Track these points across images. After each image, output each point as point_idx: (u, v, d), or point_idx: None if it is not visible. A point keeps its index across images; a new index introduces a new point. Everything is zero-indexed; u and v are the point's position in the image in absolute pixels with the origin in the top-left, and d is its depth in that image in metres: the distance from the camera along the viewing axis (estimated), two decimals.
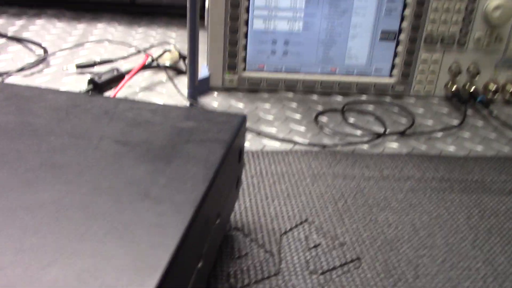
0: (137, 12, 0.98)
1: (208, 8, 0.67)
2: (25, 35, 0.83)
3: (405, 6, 0.69)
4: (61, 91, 0.41)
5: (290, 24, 0.69)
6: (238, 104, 0.68)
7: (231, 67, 0.70)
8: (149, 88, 0.70)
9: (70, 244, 0.24)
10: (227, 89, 0.71)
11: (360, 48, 0.71)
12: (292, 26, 0.69)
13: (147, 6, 0.98)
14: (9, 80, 0.67)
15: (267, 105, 0.68)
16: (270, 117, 0.65)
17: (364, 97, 0.73)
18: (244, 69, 0.71)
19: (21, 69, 0.68)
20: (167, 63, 0.75)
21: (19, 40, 0.80)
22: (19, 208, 0.26)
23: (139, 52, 0.71)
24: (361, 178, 0.53)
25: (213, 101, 0.68)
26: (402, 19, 0.70)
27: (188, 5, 0.60)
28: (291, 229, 0.45)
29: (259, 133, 0.60)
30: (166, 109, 0.40)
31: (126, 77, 0.65)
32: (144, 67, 0.71)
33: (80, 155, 0.32)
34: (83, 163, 0.31)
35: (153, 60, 0.70)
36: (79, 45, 0.71)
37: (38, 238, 0.24)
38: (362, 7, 0.69)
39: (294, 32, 0.70)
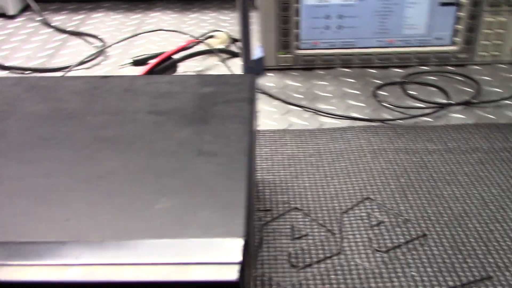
0: None
1: None
2: (83, 29, 0.85)
3: None
4: (76, 77, 0.42)
5: None
6: (294, 83, 0.67)
7: (285, 45, 0.69)
8: (203, 72, 0.70)
9: (158, 199, 0.26)
10: (281, 69, 0.71)
11: (419, 16, 0.68)
12: None
13: None
14: (71, 74, 0.69)
15: (323, 82, 0.67)
16: (327, 94, 0.64)
17: (424, 68, 0.70)
18: (298, 47, 0.70)
19: (82, 63, 0.70)
20: (218, 47, 0.75)
21: (78, 34, 0.82)
22: (94, 177, 0.28)
23: (195, 39, 0.71)
24: (424, 151, 0.51)
25: (268, 82, 0.67)
26: None
27: None
28: (352, 208, 0.44)
29: (317, 111, 0.59)
30: (181, 79, 0.42)
31: (158, 58, 0.65)
32: (200, 52, 0.72)
33: (123, 128, 0.34)
34: (129, 134, 0.33)
35: (199, 42, 0.71)
36: (134, 35, 0.73)
37: (128, 198, 0.26)
38: None
39: (347, 4, 0.67)
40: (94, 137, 0.32)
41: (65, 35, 0.83)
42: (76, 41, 0.81)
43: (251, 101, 0.38)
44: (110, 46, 0.70)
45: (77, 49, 0.77)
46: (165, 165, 0.28)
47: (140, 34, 0.72)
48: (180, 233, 0.23)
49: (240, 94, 0.39)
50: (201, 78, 0.42)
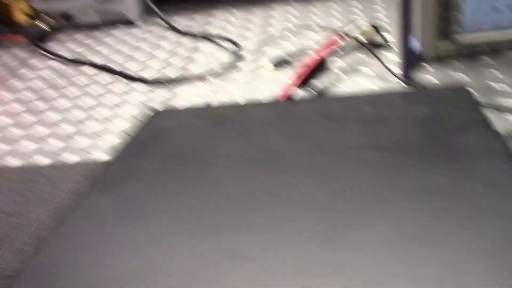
0: None
1: None
2: (208, 29, 0.82)
3: None
4: (258, 104, 0.38)
5: None
6: (459, 76, 0.59)
7: (445, 33, 0.61)
8: (354, 70, 0.64)
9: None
10: (441, 59, 0.63)
11: None
12: None
13: None
14: (211, 80, 0.66)
15: (496, 72, 0.58)
16: (505, 86, 0.55)
17: None
18: (460, 33, 0.61)
19: (222, 69, 0.66)
20: (363, 39, 0.68)
21: (208, 38, 0.79)
22: (382, 244, 0.23)
23: (340, 34, 0.65)
24: None
25: (429, 76, 0.60)
26: None
27: None
28: None
29: (499, 109, 0.51)
30: (380, 99, 0.36)
31: (310, 58, 0.59)
32: (348, 48, 0.65)
33: (356, 175, 0.28)
34: (369, 183, 0.28)
35: (344, 38, 0.64)
36: (275, 37, 0.68)
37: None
38: None
39: None
40: (329, 189, 0.27)
41: (192, 39, 0.79)
42: (206, 44, 0.77)
43: (489, 125, 0.31)
44: (244, 48, 0.65)
45: (210, 54, 0.74)
46: (452, 232, 0.23)
47: (284, 32, 0.67)
48: None
49: (468, 115, 0.32)
50: (405, 96, 0.36)
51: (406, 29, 0.57)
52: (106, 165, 0.32)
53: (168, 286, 0.22)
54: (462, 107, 0.33)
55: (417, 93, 0.36)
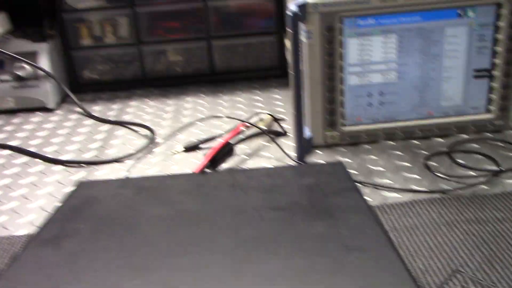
0: (218, 80, 1.03)
1: (305, 72, 0.70)
2: (124, 117, 0.88)
3: (495, 42, 0.70)
4: (175, 175, 0.44)
5: (384, 76, 0.71)
6: (344, 159, 0.70)
7: (331, 124, 0.72)
8: (256, 154, 0.73)
9: None
10: (328, 146, 0.74)
11: (455, 89, 0.72)
12: (386, 77, 0.71)
13: (226, 73, 1.03)
14: (127, 162, 0.71)
15: (372, 156, 0.70)
16: (380, 168, 0.66)
17: (464, 137, 0.73)
18: (343, 124, 0.73)
19: (137, 152, 0.72)
20: (263, 128, 0.78)
21: (123, 123, 0.85)
22: (273, 276, 0.29)
23: (246, 123, 0.75)
24: (495, 221, 0.53)
25: (319, 159, 0.70)
26: (494, 55, 0.71)
27: (292, 73, 0.63)
28: (446, 282, 0.45)
29: (377, 186, 0.62)
30: (277, 171, 0.44)
31: (218, 143, 0.68)
32: (252, 135, 0.75)
33: (257, 227, 0.35)
34: (267, 233, 0.35)
35: (249, 126, 0.74)
36: (187, 125, 0.75)
37: None
38: (453, 49, 0.70)
39: (388, 82, 0.72)
40: (235, 239, 0.33)
41: (109, 126, 0.85)
42: (121, 130, 0.83)
43: (357, 190, 0.40)
44: (160, 135, 0.72)
45: (126, 139, 0.80)
46: (325, 264, 0.30)
47: (196, 121, 0.75)
48: None
49: (342, 183, 0.41)
50: (296, 169, 0.44)
51: (299, 121, 0.67)
52: (27, 237, 0.37)
53: None
54: (338, 177, 0.42)
55: (303, 167, 0.44)
